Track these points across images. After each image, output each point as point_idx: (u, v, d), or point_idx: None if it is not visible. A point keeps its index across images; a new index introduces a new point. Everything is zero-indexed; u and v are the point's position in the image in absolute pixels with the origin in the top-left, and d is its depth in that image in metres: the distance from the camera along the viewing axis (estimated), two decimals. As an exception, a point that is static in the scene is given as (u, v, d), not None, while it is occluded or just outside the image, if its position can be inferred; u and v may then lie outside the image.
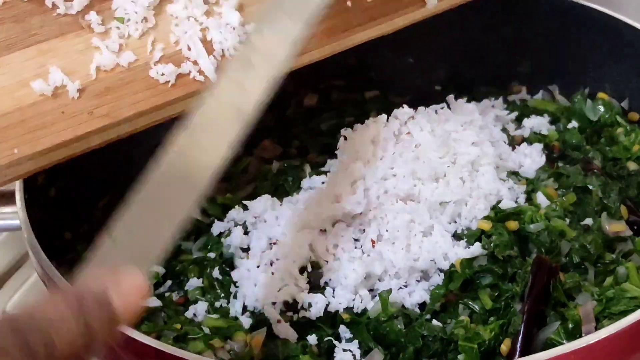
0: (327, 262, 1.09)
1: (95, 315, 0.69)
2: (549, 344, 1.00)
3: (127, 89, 1.07)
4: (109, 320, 0.70)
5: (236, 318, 1.07)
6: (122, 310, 0.70)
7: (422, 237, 1.10)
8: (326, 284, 1.09)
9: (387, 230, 1.10)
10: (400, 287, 1.08)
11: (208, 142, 0.87)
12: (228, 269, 1.12)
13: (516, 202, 1.16)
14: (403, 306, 1.07)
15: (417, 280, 1.09)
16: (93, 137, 1.05)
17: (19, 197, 1.08)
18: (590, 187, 1.19)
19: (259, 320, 1.07)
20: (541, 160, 1.24)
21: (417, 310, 1.08)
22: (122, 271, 0.73)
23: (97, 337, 0.68)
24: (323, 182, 1.18)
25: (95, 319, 0.68)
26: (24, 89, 1.04)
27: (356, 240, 1.12)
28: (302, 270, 1.09)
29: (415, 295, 1.08)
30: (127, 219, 0.82)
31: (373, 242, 1.10)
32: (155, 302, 1.08)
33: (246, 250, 1.13)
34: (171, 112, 1.08)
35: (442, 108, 1.30)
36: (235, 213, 1.18)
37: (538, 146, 1.27)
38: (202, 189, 0.85)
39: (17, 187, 1.10)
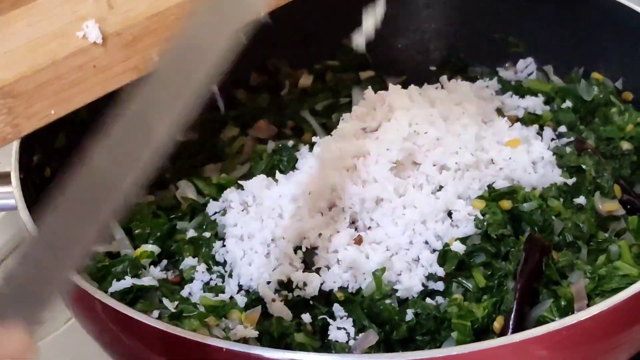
0: (322, 243, 1.10)
1: None
2: (542, 322, 1.01)
3: (154, 37, 1.05)
4: None
5: (231, 297, 1.08)
6: None
7: (416, 218, 1.10)
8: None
9: (382, 214, 1.11)
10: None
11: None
12: (223, 248, 1.13)
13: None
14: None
15: (413, 260, 1.09)
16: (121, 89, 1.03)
17: (14, 176, 1.09)
18: (584, 166, 1.20)
19: (254, 299, 1.07)
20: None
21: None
22: (2, 331, 0.65)
23: None
24: (318, 160, 1.19)
25: None
26: (57, 39, 1.01)
27: (352, 222, 1.12)
28: (297, 249, 1.10)
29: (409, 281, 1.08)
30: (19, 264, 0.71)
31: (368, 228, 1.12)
32: (150, 281, 1.08)
33: (241, 229, 1.13)
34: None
35: (436, 88, 1.30)
36: (231, 193, 1.18)
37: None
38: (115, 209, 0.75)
39: (13, 167, 1.10)
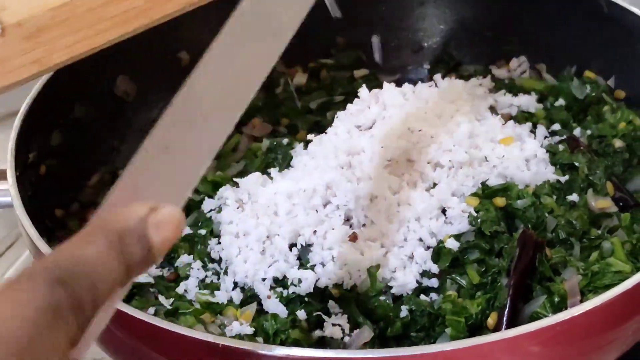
0: (317, 240, 1.10)
1: (136, 254, 0.65)
2: (535, 317, 1.02)
3: (61, 29, 0.99)
4: (147, 258, 0.67)
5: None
6: (160, 248, 0.68)
7: (410, 216, 1.11)
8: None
9: (377, 212, 1.12)
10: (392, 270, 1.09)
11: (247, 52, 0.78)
12: (218, 245, 1.13)
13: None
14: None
15: (408, 257, 1.10)
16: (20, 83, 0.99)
17: (10, 174, 1.09)
18: (577, 164, 1.21)
19: (249, 295, 1.08)
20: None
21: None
22: (160, 205, 0.68)
23: (134, 275, 0.66)
24: (313, 158, 1.19)
25: (136, 258, 0.65)
26: None
27: (347, 220, 1.13)
28: (292, 246, 1.10)
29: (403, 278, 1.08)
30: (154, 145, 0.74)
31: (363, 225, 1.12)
32: (146, 278, 1.09)
33: (236, 227, 1.14)
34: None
35: (430, 87, 1.31)
36: (226, 190, 1.19)
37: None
38: (236, 115, 0.77)
39: (9, 164, 1.10)
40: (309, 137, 1.24)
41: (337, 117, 1.23)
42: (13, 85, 1.01)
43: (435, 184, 1.13)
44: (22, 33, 0.99)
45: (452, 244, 1.09)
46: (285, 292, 1.07)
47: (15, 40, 0.99)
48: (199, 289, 1.10)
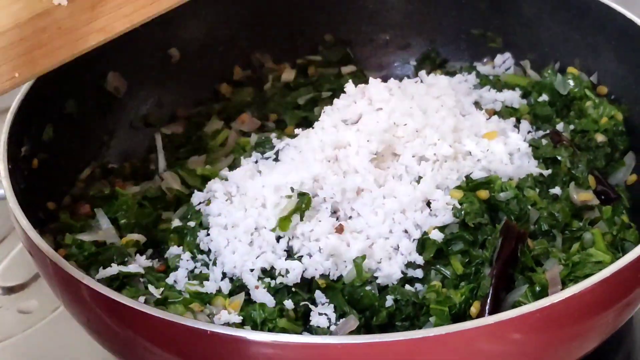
0: (304, 232, 1.12)
1: None
2: (517, 306, 1.03)
3: None
4: None
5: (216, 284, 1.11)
6: None
7: (396, 208, 1.13)
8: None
9: (363, 204, 1.13)
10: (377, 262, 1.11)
11: None
12: (207, 237, 1.15)
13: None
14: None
15: (393, 248, 1.12)
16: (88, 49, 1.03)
17: (2, 167, 1.10)
18: (559, 158, 1.23)
19: (238, 285, 1.10)
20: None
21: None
22: None
23: None
24: (300, 152, 1.21)
25: None
26: (21, 1, 1.00)
27: (333, 212, 1.14)
28: (279, 238, 1.12)
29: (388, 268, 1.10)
30: None
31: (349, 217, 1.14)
32: (136, 269, 1.11)
33: (225, 219, 1.16)
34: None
35: (415, 82, 1.33)
36: (215, 183, 1.21)
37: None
38: None
39: (1, 157, 1.12)
40: (297, 131, 1.26)
41: (323, 112, 1.25)
42: (81, 52, 1.04)
43: (420, 177, 1.15)
44: (88, 2, 1.02)
45: (437, 236, 1.10)
46: (272, 283, 1.09)
47: (80, 10, 1.02)
48: (188, 280, 1.11)
